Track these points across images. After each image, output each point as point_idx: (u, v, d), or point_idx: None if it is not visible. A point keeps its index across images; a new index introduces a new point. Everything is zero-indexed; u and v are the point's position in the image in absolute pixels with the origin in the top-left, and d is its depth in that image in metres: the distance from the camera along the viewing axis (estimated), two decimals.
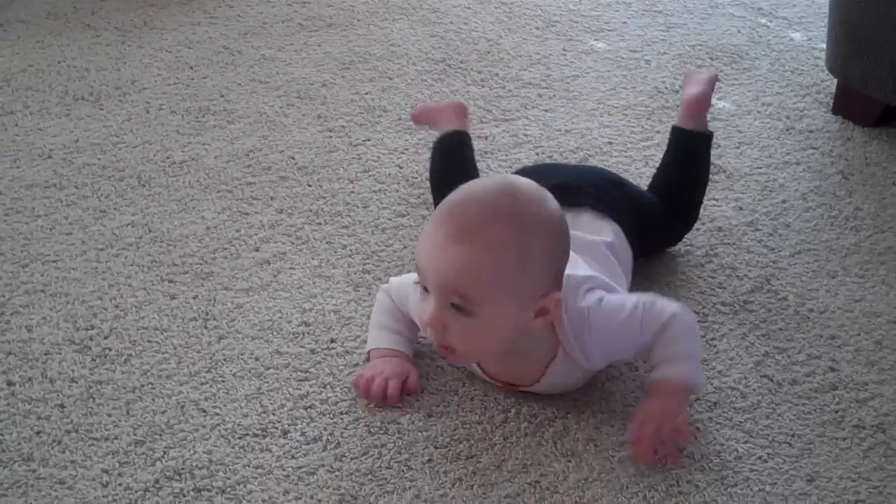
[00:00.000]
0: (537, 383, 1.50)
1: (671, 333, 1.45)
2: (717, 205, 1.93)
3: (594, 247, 1.59)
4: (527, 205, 1.38)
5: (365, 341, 1.60)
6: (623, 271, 1.62)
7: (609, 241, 1.61)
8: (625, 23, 2.61)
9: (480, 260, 1.34)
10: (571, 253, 1.46)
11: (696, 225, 1.87)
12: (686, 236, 1.84)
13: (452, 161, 1.86)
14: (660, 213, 1.76)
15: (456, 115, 1.93)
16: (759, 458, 1.44)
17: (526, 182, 1.42)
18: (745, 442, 1.46)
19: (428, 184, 1.96)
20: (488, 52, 2.44)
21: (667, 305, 1.48)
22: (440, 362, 1.57)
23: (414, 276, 1.47)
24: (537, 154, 2.07)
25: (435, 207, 1.85)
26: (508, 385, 1.52)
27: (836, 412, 1.51)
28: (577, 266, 1.49)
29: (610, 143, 2.10)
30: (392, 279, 1.60)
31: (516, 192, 1.39)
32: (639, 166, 2.03)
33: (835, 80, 2.21)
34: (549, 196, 1.42)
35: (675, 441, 1.42)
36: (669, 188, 1.79)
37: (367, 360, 1.56)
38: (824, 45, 2.27)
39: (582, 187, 1.68)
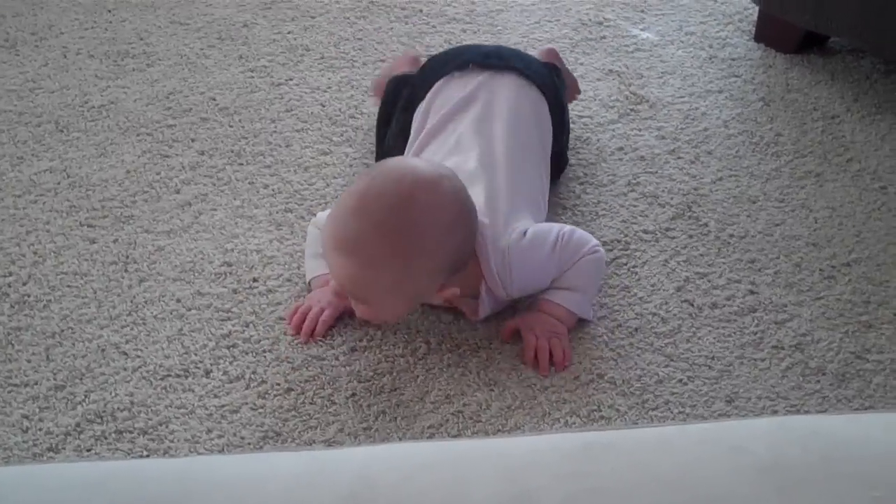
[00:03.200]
0: (476, 315, 1.52)
1: (579, 265, 1.49)
2: (639, 134, 1.94)
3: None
4: (420, 213, 1.37)
5: (288, 279, 1.60)
6: (543, 155, 1.67)
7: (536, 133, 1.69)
8: None
9: (360, 274, 1.38)
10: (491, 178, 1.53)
11: (619, 155, 1.88)
12: (609, 166, 1.85)
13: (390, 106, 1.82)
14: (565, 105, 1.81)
15: (408, 63, 1.93)
16: (680, 380, 1.46)
17: (426, 182, 1.39)
18: (666, 366, 1.48)
19: (350, 121, 1.95)
20: None
21: (584, 240, 1.51)
22: None
23: None
24: None
25: (376, 151, 1.83)
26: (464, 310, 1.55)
27: (756, 334, 1.53)
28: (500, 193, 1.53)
29: None
30: (319, 214, 1.59)
31: (411, 199, 1.37)
32: None
33: (756, 8, 2.21)
34: (456, 192, 1.41)
35: (560, 359, 1.47)
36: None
37: (309, 290, 1.57)
38: None
39: (511, 58, 1.76)
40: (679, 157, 1.88)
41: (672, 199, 1.78)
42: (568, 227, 1.52)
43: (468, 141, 1.61)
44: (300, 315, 1.51)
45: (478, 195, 1.49)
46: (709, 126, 1.96)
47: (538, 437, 0.98)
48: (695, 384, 1.45)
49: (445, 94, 1.69)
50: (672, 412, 1.41)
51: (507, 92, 1.69)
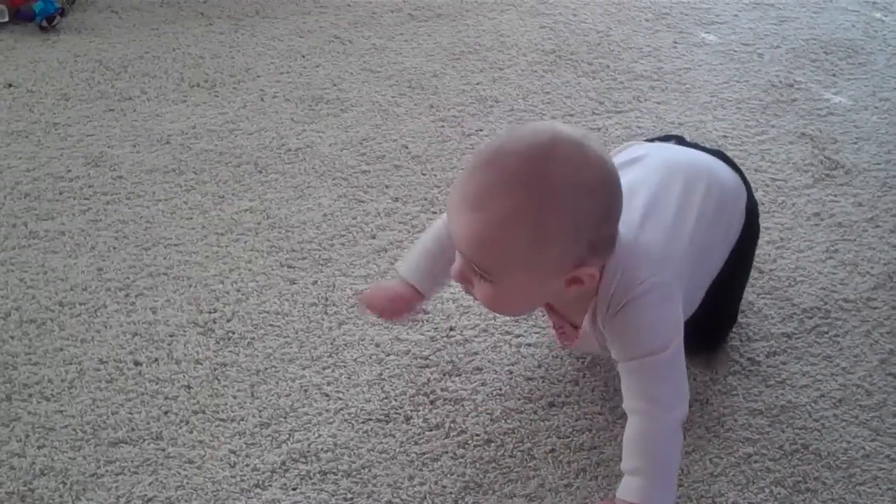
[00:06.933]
0: (577, 338, 1.39)
1: (654, 437, 1.29)
2: (835, 200, 1.90)
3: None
4: (558, 170, 1.20)
5: (484, 329, 1.61)
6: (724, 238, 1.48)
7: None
8: (736, 15, 2.58)
9: (487, 234, 1.21)
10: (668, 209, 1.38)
11: (816, 220, 1.85)
12: (805, 231, 1.82)
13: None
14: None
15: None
16: (888, 456, 1.42)
17: (568, 138, 1.23)
18: (873, 440, 1.44)
19: None
20: (598, 44, 2.43)
21: (679, 384, 1.31)
22: (558, 352, 1.57)
23: None
24: None
25: None
26: (564, 335, 1.43)
27: None
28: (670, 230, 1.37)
29: (725, 136, 2.08)
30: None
31: (549, 153, 1.21)
32: (755, 160, 2.00)
33: None
34: (598, 157, 1.24)
35: None
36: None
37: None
38: None
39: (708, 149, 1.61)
40: (878, 226, 1.84)
41: (872, 268, 1.74)
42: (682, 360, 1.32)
43: (656, 168, 1.45)
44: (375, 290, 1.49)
45: (635, 209, 1.35)
46: None
47: None
48: None
49: (649, 146, 1.57)
50: (881, 489, 1.37)
51: (722, 177, 1.51)
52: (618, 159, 1.47)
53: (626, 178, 1.31)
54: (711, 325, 1.52)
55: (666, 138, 1.64)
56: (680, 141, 1.62)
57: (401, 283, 1.48)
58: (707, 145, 2.03)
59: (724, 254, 1.48)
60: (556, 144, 1.22)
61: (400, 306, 1.48)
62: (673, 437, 1.30)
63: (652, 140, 1.64)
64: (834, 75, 2.30)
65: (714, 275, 1.46)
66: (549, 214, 1.20)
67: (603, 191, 1.24)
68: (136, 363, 1.54)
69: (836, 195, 1.92)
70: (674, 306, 1.32)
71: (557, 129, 1.25)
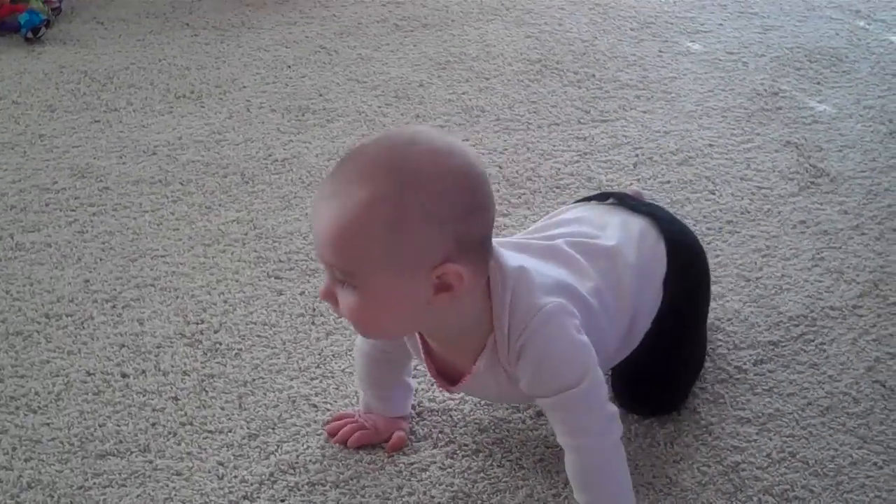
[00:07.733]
0: (461, 381, 1.32)
1: (598, 469, 1.28)
2: (821, 208, 1.91)
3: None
4: (418, 155, 1.14)
5: None
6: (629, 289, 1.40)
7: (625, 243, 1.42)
8: (721, 24, 2.60)
9: (343, 222, 1.13)
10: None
11: (801, 228, 1.86)
12: (791, 239, 1.82)
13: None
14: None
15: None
16: (875, 464, 1.42)
17: (435, 132, 1.19)
18: (860, 448, 1.45)
19: (528, 183, 1.96)
20: (584, 53, 2.44)
21: (606, 408, 1.27)
22: None
23: None
24: (637, 155, 2.06)
25: None
26: (442, 380, 1.35)
27: None
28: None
29: (710, 145, 2.09)
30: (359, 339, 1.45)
31: (411, 142, 1.15)
32: (740, 168, 2.01)
33: None
34: (463, 149, 1.17)
35: None
36: None
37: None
38: None
39: (656, 208, 1.55)
40: (863, 234, 1.85)
41: (858, 276, 1.75)
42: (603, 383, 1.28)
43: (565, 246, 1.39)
44: (343, 421, 1.45)
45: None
46: (892, 203, 1.92)
47: None
48: (891, 468, 1.42)
49: (571, 209, 1.53)
50: (868, 496, 1.38)
51: (631, 228, 1.46)
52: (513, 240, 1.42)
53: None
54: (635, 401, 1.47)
55: (602, 196, 1.55)
56: (620, 199, 1.52)
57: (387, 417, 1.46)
58: (692, 154, 2.05)
59: (628, 332, 1.41)
60: (418, 133, 1.17)
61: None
62: (616, 459, 1.29)
63: (589, 199, 1.56)
64: (818, 83, 2.31)
65: (620, 353, 1.42)
66: (407, 196, 1.12)
67: (468, 178, 1.15)
68: (124, 375, 1.54)
69: (821, 203, 1.93)
70: (576, 328, 1.26)
71: (420, 125, 1.22)
